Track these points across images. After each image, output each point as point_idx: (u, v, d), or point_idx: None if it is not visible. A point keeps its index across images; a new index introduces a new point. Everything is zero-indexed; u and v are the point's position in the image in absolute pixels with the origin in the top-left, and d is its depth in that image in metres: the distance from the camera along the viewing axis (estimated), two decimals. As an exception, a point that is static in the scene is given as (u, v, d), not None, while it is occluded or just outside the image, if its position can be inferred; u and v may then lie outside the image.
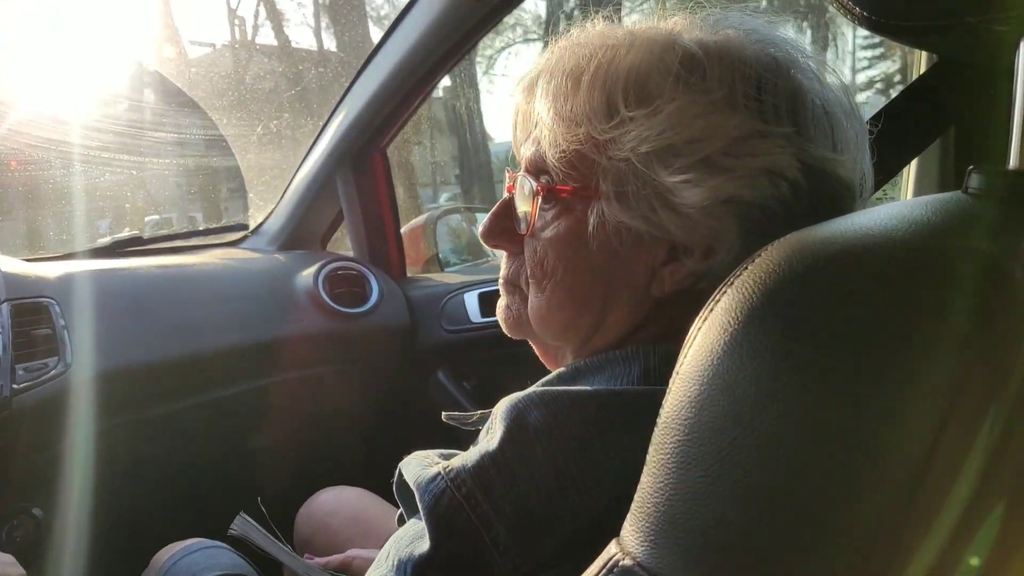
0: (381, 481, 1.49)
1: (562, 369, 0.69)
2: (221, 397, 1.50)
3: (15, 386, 1.18)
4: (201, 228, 2.07)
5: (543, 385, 0.67)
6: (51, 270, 1.44)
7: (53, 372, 1.24)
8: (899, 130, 0.91)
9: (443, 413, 0.80)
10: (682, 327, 0.46)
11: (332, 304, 1.64)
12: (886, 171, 0.93)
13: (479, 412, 0.78)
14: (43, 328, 1.28)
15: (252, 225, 2.03)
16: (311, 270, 1.70)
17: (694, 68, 0.61)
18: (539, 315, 0.69)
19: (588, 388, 0.61)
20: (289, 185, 1.93)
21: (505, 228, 0.72)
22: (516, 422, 0.58)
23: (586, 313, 0.67)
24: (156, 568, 1.10)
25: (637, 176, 0.61)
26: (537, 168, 0.68)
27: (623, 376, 0.63)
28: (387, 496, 1.39)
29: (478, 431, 0.73)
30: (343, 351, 1.64)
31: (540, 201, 0.67)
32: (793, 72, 0.62)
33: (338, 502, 1.36)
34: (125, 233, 1.90)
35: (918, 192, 1.24)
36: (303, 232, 1.91)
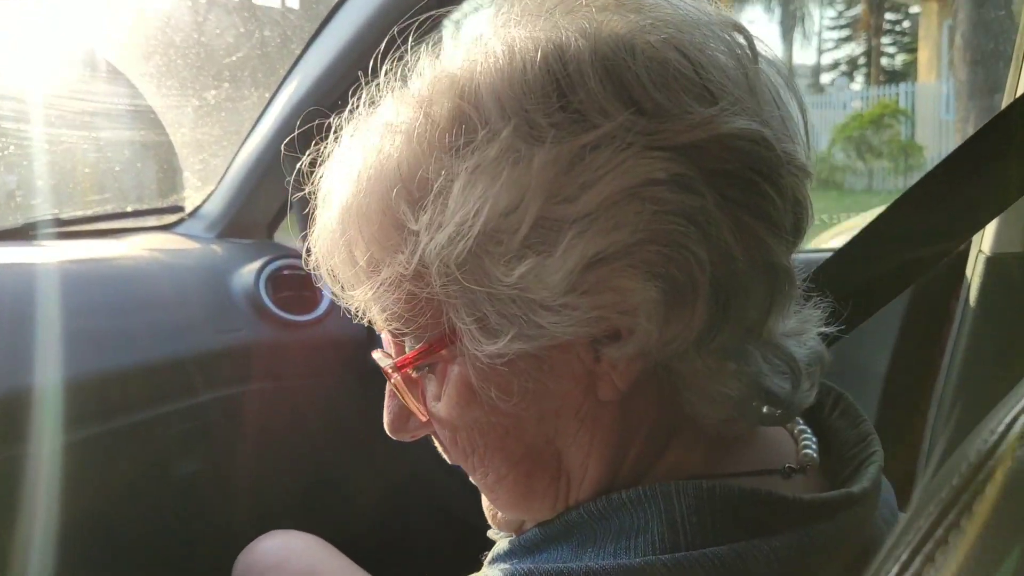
0: (332, 522, 1.29)
1: (553, 520, 0.52)
2: (140, 421, 1.26)
3: None
4: (130, 209, 1.81)
5: (514, 550, 0.53)
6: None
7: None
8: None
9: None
10: (673, 429, 0.47)
11: (275, 310, 1.41)
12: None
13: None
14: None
15: (189, 207, 1.78)
16: (252, 267, 1.46)
17: (461, 123, 0.46)
18: (494, 499, 0.55)
19: (613, 563, 0.44)
20: (231, 164, 1.68)
21: (409, 416, 0.56)
22: None
23: (542, 472, 0.52)
24: None
25: (476, 292, 0.45)
26: (386, 344, 0.55)
27: (640, 532, 0.46)
28: (341, 543, 1.19)
29: None
30: (287, 365, 1.41)
31: (403, 381, 0.52)
32: (610, 43, 0.45)
33: (285, 551, 1.15)
34: (41, 214, 1.65)
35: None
36: (247, 218, 1.67)
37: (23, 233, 1.59)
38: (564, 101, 0.44)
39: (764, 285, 0.46)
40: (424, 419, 0.54)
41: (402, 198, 0.47)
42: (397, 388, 0.53)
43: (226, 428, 1.35)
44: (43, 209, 1.66)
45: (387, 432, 0.57)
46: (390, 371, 0.52)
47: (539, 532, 0.52)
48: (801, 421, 0.59)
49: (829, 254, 0.80)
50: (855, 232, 0.76)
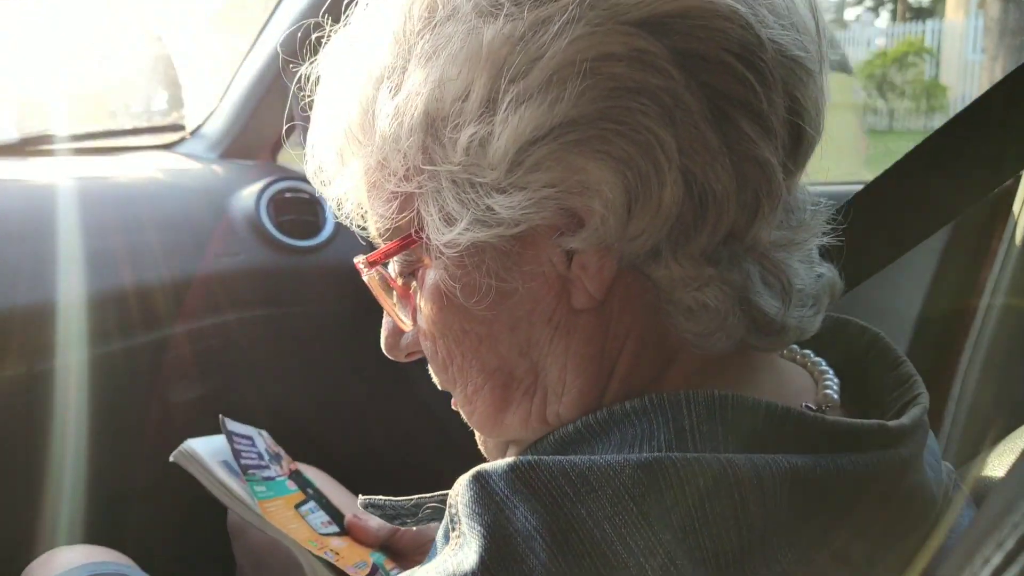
0: (334, 449, 1.28)
1: (546, 438, 0.49)
2: (137, 345, 1.24)
3: None
4: (130, 127, 1.76)
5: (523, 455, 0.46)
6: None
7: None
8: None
9: (360, 497, 0.60)
10: (669, 350, 0.45)
11: (276, 234, 1.37)
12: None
13: (414, 498, 0.57)
14: None
15: (190, 126, 1.72)
16: (253, 190, 1.41)
17: (427, 5, 0.45)
18: (471, 418, 0.53)
19: (620, 456, 0.41)
20: (232, 80, 1.61)
21: (401, 334, 0.55)
22: (500, 528, 0.39)
23: (517, 384, 0.49)
24: None
25: (436, 178, 0.45)
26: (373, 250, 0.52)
27: (644, 440, 0.43)
28: (342, 469, 1.17)
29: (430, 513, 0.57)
30: (285, 293, 1.37)
31: (378, 280, 0.52)
32: None
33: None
34: (39, 130, 1.60)
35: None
36: (250, 138, 1.61)
37: (20, 149, 1.55)
38: None
39: (748, 183, 0.42)
40: (404, 327, 0.53)
41: (370, 84, 0.47)
42: (370, 286, 0.53)
43: (225, 354, 1.32)
44: (41, 125, 1.61)
45: (384, 351, 0.56)
46: (363, 267, 0.51)
47: (532, 451, 0.49)
48: (823, 362, 0.55)
49: (860, 186, 0.75)
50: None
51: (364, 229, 0.53)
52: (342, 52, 0.50)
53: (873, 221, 0.73)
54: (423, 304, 0.50)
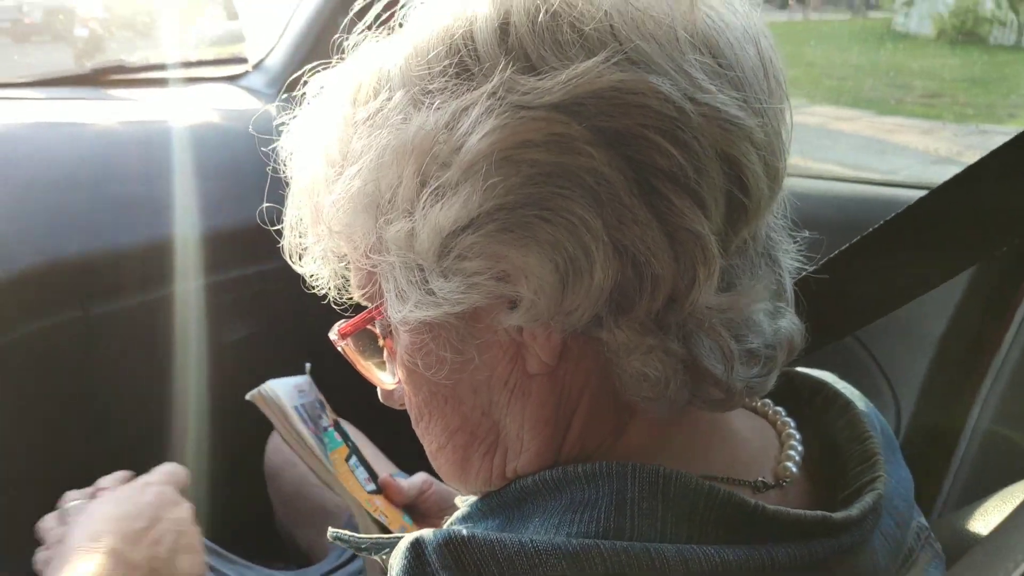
0: (365, 400, 1.29)
1: (504, 486, 0.51)
2: (187, 290, 1.26)
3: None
4: (194, 60, 1.76)
5: (471, 513, 0.51)
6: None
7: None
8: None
9: (330, 531, 0.61)
10: (628, 411, 0.46)
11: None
12: None
13: (372, 537, 0.59)
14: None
15: (253, 59, 1.71)
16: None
17: (373, 91, 0.47)
18: (438, 468, 0.55)
19: (549, 541, 0.42)
20: (292, 14, 1.58)
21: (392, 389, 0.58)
22: None
23: (478, 443, 0.51)
24: None
25: (384, 259, 0.47)
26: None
27: (587, 507, 0.44)
28: (368, 430, 1.18)
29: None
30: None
31: (354, 350, 0.55)
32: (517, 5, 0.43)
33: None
34: (108, 61, 1.63)
35: None
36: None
37: (92, 79, 1.58)
38: (459, 67, 0.43)
39: (683, 252, 0.41)
40: (386, 387, 0.57)
41: (325, 164, 0.49)
42: (346, 354, 0.55)
43: (268, 300, 1.34)
44: (110, 56, 1.63)
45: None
46: (337, 339, 0.54)
47: (495, 497, 0.51)
48: (792, 423, 0.55)
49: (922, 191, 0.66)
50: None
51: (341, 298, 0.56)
52: (305, 125, 0.52)
53: (931, 235, 0.65)
54: (396, 367, 0.53)
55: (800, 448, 0.52)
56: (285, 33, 1.60)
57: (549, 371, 0.47)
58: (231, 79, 1.71)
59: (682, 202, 0.40)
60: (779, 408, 0.56)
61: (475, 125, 0.41)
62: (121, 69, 1.61)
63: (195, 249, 1.26)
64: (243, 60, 1.71)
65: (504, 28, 0.42)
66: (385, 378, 0.56)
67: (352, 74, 0.49)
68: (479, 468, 0.51)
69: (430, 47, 0.45)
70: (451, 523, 0.54)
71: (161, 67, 1.70)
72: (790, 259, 0.50)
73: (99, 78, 1.58)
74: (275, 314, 1.39)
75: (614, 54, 0.40)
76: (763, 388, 0.48)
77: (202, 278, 1.28)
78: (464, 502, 0.58)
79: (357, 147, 0.46)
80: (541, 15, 0.42)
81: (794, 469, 0.51)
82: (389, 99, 0.45)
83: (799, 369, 0.61)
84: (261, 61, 1.68)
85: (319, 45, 1.54)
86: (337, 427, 1.02)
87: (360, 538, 0.58)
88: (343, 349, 0.55)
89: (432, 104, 0.42)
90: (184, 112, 1.44)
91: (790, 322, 0.49)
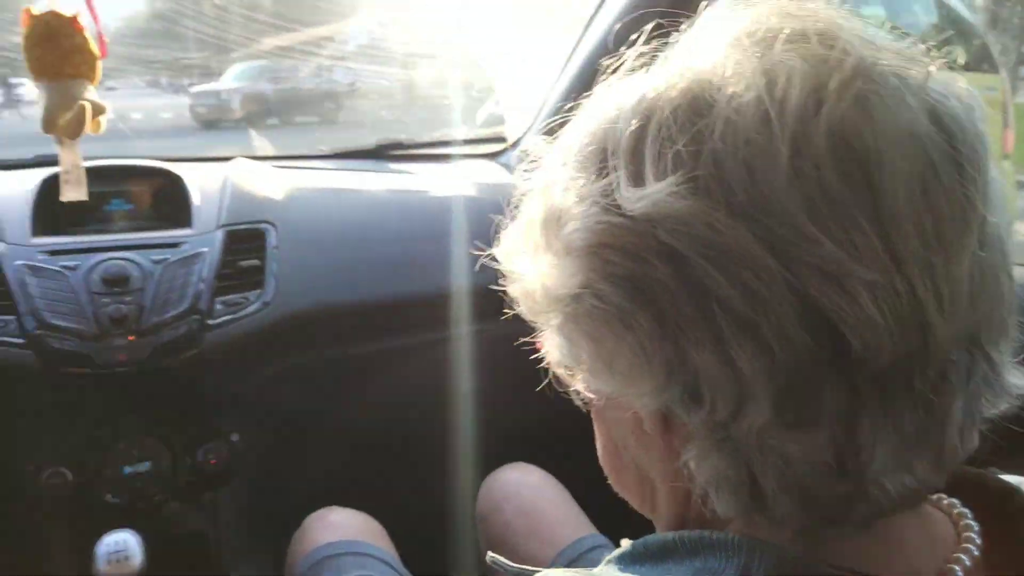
0: (566, 460, 1.36)
1: (648, 538, 0.51)
2: (425, 342, 1.43)
3: (210, 322, 1.21)
4: (461, 138, 1.99)
5: (624, 555, 0.51)
6: (285, 183, 1.45)
7: (251, 309, 1.24)
8: None
9: (489, 554, 0.65)
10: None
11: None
12: None
13: (524, 568, 0.61)
14: (250, 259, 1.29)
15: (512, 138, 1.90)
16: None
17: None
18: None
19: None
20: (544, 102, 1.75)
21: None
22: None
23: (632, 490, 0.56)
24: (302, 550, 1.09)
25: None
26: None
27: (720, 572, 0.44)
28: (568, 482, 1.25)
29: None
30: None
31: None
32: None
33: (518, 485, 1.26)
34: (389, 137, 1.90)
35: None
36: (554, 154, 1.74)
37: (376, 152, 1.86)
38: (598, 158, 0.45)
39: (731, 378, 0.40)
40: None
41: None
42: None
43: (493, 358, 1.46)
44: (391, 134, 1.91)
45: None
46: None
47: (648, 544, 0.51)
48: (975, 526, 0.48)
49: None
50: None
51: None
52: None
53: None
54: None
55: (976, 553, 0.46)
56: (538, 116, 1.77)
57: (659, 432, 0.47)
58: (492, 156, 1.91)
59: (735, 336, 0.39)
60: (964, 508, 0.49)
61: (578, 216, 0.44)
62: (400, 145, 1.88)
63: (463, 300, 1.42)
64: (503, 139, 1.91)
65: (634, 133, 0.44)
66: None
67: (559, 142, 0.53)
68: (643, 509, 0.56)
69: (590, 133, 0.47)
70: (607, 560, 0.56)
71: (434, 144, 1.95)
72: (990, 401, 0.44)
73: (382, 152, 1.86)
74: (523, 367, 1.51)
75: (686, 180, 0.40)
76: (886, 498, 0.43)
77: (469, 326, 1.44)
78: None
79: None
80: (661, 128, 0.42)
81: (958, 572, 0.45)
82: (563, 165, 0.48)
83: (993, 471, 0.56)
84: (518, 140, 1.86)
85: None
86: None
87: (512, 566, 0.64)
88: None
89: (576, 181, 0.46)
90: (449, 184, 1.65)
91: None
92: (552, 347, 0.50)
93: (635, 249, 0.42)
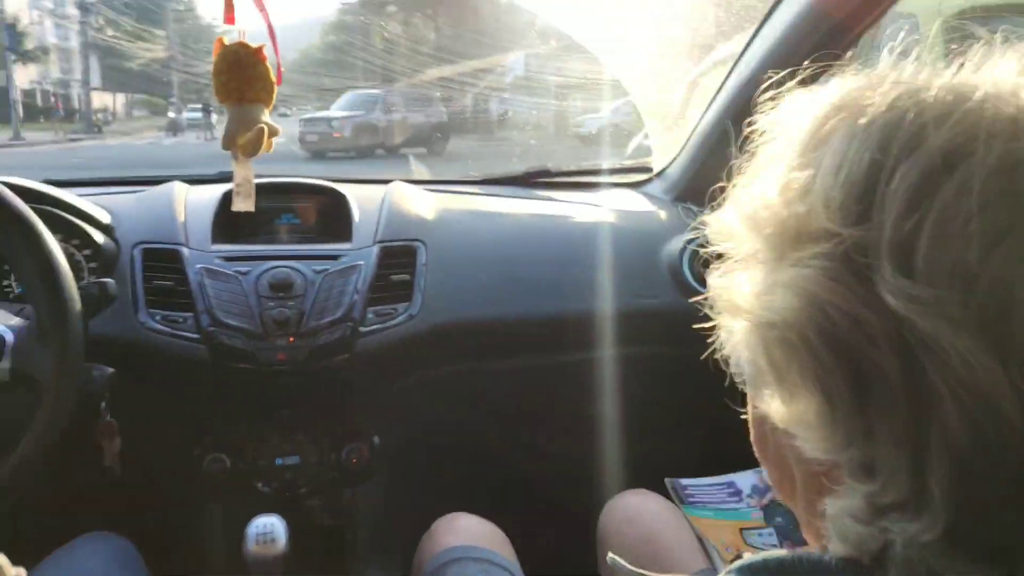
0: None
1: (769, 555, 0.49)
2: (562, 362, 1.47)
3: (362, 329, 1.30)
4: (607, 167, 2.02)
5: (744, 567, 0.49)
6: (437, 205, 1.54)
7: (399, 320, 1.33)
8: None
9: (609, 555, 0.65)
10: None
11: (692, 283, 1.46)
12: None
13: (641, 572, 0.62)
14: (402, 273, 1.37)
15: (658, 167, 1.92)
16: (682, 239, 1.53)
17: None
18: None
19: None
20: (692, 132, 1.75)
21: None
22: None
23: (772, 474, 0.54)
24: (430, 551, 1.14)
25: None
26: None
27: None
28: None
29: None
30: (689, 332, 1.47)
31: None
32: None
33: (639, 510, 1.26)
34: (537, 166, 1.97)
35: None
36: (697, 184, 1.74)
37: (523, 180, 1.93)
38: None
39: None
40: None
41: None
42: None
43: (624, 382, 1.48)
44: (538, 162, 1.97)
45: None
46: None
47: (768, 561, 0.49)
48: None
49: None
50: None
51: None
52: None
53: None
54: None
55: None
56: (684, 150, 1.78)
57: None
58: (635, 185, 1.93)
59: (939, 462, 0.37)
60: None
61: (818, 256, 0.40)
62: (547, 173, 1.94)
63: (605, 324, 1.45)
64: (648, 169, 1.93)
65: (918, 190, 0.38)
66: None
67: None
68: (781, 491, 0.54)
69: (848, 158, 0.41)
70: (728, 570, 0.58)
71: (580, 172, 2.00)
72: None
73: (529, 179, 1.92)
74: (657, 395, 1.52)
75: (962, 302, 0.36)
76: None
77: (609, 349, 1.47)
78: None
79: None
80: (951, 206, 0.37)
81: None
82: None
83: None
84: (663, 170, 1.88)
85: (711, 158, 1.68)
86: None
87: (634, 570, 0.65)
88: None
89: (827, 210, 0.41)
90: (594, 211, 1.68)
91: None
92: (735, 349, 0.48)
93: (870, 329, 0.38)
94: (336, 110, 9.25)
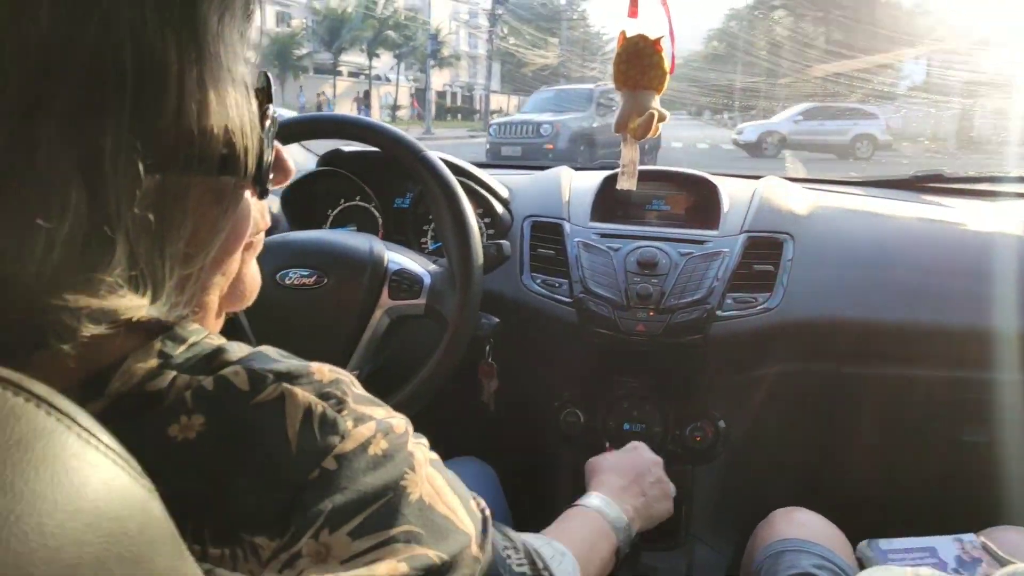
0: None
1: None
2: (932, 378, 1.36)
3: (719, 313, 1.33)
4: (1013, 175, 1.80)
5: None
6: (810, 201, 1.52)
7: (757, 309, 1.34)
8: None
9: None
10: None
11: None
12: None
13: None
14: (765, 264, 1.38)
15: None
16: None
17: None
18: None
19: None
20: None
21: None
22: None
23: None
24: (767, 537, 1.14)
25: None
26: None
27: None
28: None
29: None
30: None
31: None
32: None
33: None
34: (925, 170, 1.83)
35: None
36: None
37: (910, 184, 1.81)
38: None
39: None
40: None
41: None
42: None
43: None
44: (927, 166, 1.82)
45: None
46: None
47: None
48: None
49: None
50: None
51: None
52: None
53: None
54: None
55: None
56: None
57: None
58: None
59: None
60: None
61: None
62: (940, 178, 1.79)
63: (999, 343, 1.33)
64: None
65: None
66: None
67: None
68: None
69: None
70: None
71: (979, 179, 1.81)
72: None
73: (917, 183, 1.79)
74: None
75: None
76: None
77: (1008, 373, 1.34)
78: None
79: None
80: None
81: None
82: None
83: None
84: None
85: None
86: None
87: None
88: None
89: None
90: (994, 221, 1.51)
91: None
92: None
93: None
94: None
